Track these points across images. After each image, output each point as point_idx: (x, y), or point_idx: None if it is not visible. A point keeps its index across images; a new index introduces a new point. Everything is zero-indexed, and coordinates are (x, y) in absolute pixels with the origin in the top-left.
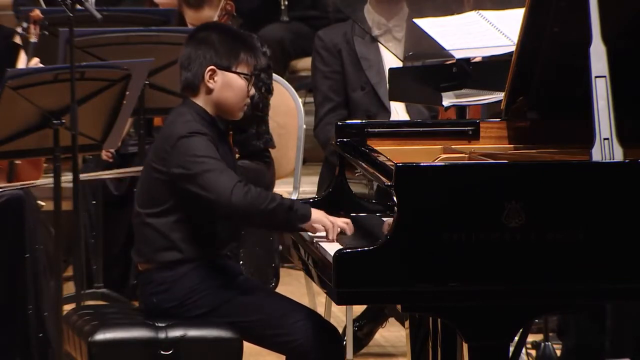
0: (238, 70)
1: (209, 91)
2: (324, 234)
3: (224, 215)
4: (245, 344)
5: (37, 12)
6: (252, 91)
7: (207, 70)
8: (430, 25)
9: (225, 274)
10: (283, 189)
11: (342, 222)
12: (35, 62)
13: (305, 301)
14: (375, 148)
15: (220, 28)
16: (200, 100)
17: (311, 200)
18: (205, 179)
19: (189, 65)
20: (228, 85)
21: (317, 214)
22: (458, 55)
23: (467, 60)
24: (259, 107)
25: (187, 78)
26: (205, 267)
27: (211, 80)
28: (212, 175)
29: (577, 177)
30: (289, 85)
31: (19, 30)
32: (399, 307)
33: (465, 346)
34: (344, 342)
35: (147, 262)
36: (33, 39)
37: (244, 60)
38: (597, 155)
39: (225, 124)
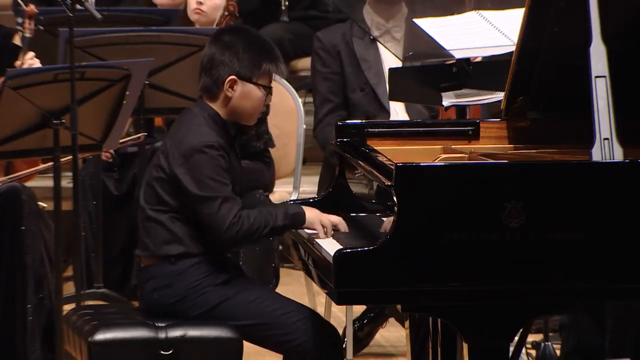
0: (259, 82)
1: (227, 99)
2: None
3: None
4: (245, 344)
5: (32, 7)
6: (268, 101)
7: (227, 80)
8: (430, 25)
9: (227, 272)
10: (283, 189)
11: (336, 218)
12: (31, 56)
13: (305, 301)
14: (375, 148)
15: (246, 33)
16: (215, 105)
17: (311, 200)
18: (208, 205)
19: (211, 70)
20: (246, 96)
21: (310, 216)
22: (458, 55)
23: (467, 60)
24: None
25: (206, 82)
26: (207, 264)
27: (230, 90)
28: (214, 205)
29: (577, 177)
30: (289, 85)
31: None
32: (399, 307)
33: (465, 346)
34: (344, 342)
35: (151, 256)
36: (28, 34)
37: (265, 72)
38: (597, 155)
39: (235, 129)
